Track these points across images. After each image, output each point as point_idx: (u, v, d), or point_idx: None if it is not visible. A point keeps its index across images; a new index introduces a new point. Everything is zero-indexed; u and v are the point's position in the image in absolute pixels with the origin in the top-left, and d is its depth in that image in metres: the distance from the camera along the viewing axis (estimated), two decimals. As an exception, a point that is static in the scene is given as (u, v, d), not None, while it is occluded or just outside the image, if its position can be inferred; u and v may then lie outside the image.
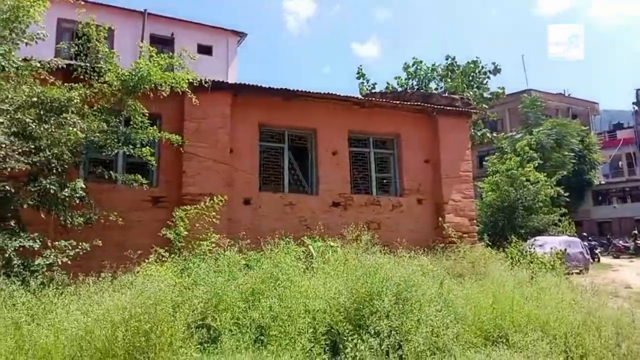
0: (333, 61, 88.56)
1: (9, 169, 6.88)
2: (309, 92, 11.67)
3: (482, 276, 8.39)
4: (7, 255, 6.51)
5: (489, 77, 26.47)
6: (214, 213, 8.97)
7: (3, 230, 6.84)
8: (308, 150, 12.28)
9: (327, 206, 11.67)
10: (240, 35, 25.12)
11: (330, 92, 11.87)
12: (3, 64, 7.22)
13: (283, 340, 5.09)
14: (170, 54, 9.59)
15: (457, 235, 11.45)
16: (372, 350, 4.91)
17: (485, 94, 26.28)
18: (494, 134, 29.03)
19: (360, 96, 18.00)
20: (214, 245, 8.30)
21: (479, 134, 25.84)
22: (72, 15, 10.80)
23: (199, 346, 5.03)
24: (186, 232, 8.73)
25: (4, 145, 6.79)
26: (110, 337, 4.46)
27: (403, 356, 5.00)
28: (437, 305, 5.72)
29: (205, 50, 22.94)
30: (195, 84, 9.07)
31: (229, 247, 7.76)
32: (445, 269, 8.44)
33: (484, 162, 28.37)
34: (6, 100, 7.11)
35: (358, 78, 27.99)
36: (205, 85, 9.27)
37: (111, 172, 8.70)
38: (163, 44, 21.26)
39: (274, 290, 6.05)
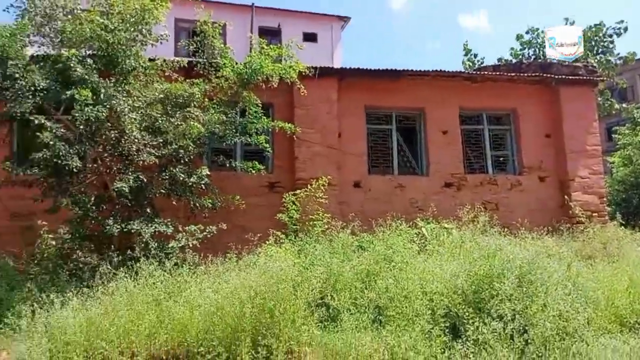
0: (439, 36, 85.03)
1: (141, 161, 7.61)
2: (416, 70, 11.41)
3: (616, 258, 7.75)
4: (145, 239, 7.23)
5: (613, 40, 23.84)
6: (321, 194, 9.17)
7: (140, 217, 7.60)
8: (417, 131, 12.04)
9: (439, 187, 11.38)
10: (344, 19, 25.19)
11: (438, 69, 11.52)
12: (134, 64, 7.96)
13: (401, 321, 5.08)
14: (278, 44, 9.87)
15: (585, 215, 10.60)
16: (495, 333, 4.73)
17: (612, 60, 23.76)
18: (624, 104, 26.19)
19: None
20: (326, 227, 8.50)
21: (606, 104, 23.47)
22: (188, 14, 11.55)
23: (320, 324, 5.20)
24: (298, 215, 9.03)
25: (136, 140, 7.53)
26: (239, 313, 4.76)
27: (529, 341, 4.75)
28: (565, 289, 5.34)
29: (310, 37, 23.30)
30: (303, 74, 9.29)
31: (341, 229, 7.90)
32: (573, 251, 7.89)
33: (613, 135, 25.75)
34: (139, 98, 7.84)
35: (465, 54, 26.76)
36: (311, 75, 9.44)
37: (231, 160, 9.26)
38: (271, 35, 21.91)
39: (389, 271, 6.05)
